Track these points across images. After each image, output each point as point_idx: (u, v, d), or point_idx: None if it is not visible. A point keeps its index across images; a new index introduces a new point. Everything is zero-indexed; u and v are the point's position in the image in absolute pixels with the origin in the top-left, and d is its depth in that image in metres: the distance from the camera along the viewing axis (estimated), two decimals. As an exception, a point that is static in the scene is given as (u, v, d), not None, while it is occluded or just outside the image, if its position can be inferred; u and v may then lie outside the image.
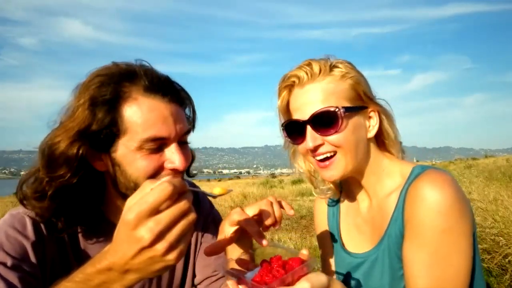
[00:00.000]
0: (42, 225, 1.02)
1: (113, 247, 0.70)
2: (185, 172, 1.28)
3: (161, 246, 0.66)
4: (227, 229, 1.03)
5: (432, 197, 0.96)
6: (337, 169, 1.10)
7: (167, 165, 1.01)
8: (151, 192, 0.66)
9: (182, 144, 1.07)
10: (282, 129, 1.20)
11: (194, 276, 1.29)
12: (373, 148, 1.17)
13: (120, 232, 0.68)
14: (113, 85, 0.99)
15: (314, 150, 1.10)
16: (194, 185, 1.39)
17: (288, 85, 1.15)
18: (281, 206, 1.08)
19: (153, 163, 0.99)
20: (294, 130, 1.15)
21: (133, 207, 0.66)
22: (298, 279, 0.82)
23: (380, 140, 1.20)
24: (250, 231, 0.98)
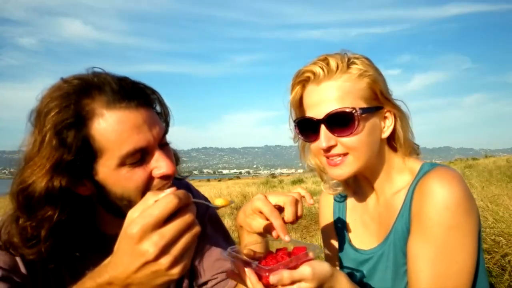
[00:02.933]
0: None
1: (114, 261, 0.68)
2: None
3: (166, 260, 0.64)
4: (248, 219, 1.02)
5: (440, 193, 0.96)
6: (347, 169, 1.09)
7: (156, 173, 0.96)
8: (156, 205, 0.64)
9: (163, 146, 1.02)
10: (295, 126, 1.18)
11: (192, 278, 1.26)
12: (385, 147, 1.16)
13: (122, 245, 0.66)
14: (72, 106, 0.90)
15: (327, 150, 1.08)
16: (189, 188, 1.36)
17: (302, 80, 1.12)
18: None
19: (140, 176, 0.94)
20: (307, 127, 1.12)
21: (137, 220, 0.64)
22: (302, 264, 0.83)
23: (393, 139, 1.18)
24: (274, 224, 0.93)
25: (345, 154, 1.08)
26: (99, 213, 1.08)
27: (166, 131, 1.04)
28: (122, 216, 0.99)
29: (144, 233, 0.63)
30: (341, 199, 1.38)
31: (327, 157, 1.11)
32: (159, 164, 0.96)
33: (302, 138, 1.18)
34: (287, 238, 0.90)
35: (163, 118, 1.08)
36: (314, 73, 1.08)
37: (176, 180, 1.27)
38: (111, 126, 0.90)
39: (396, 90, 1.18)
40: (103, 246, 1.06)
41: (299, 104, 1.16)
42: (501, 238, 3.86)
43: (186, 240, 0.66)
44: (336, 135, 1.06)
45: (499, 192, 4.93)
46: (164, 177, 0.97)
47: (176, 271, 0.66)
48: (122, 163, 0.92)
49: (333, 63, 1.06)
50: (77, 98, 0.91)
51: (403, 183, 1.13)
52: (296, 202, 0.99)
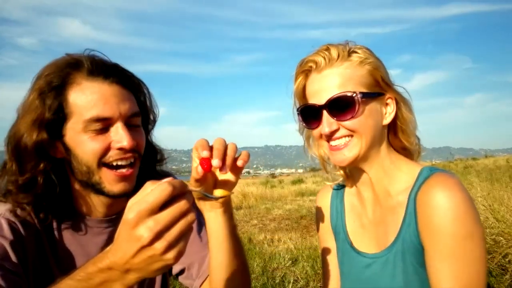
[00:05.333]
0: (18, 225, 1.03)
1: (114, 247, 0.71)
2: (153, 163, 1.29)
3: (160, 245, 0.66)
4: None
5: (446, 204, 0.95)
6: (350, 153, 1.08)
7: (114, 145, 1.04)
8: (151, 192, 0.67)
9: (132, 127, 1.09)
10: (298, 114, 1.19)
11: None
12: (385, 140, 1.16)
13: (121, 231, 0.69)
14: (59, 74, 1.04)
15: (330, 135, 1.09)
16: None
17: (305, 70, 1.14)
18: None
19: (99, 143, 1.03)
20: (309, 114, 1.13)
21: (133, 206, 0.67)
22: None
23: (395, 131, 1.17)
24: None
25: (348, 137, 1.09)
26: (75, 193, 1.14)
27: (138, 113, 1.12)
28: (92, 188, 1.08)
29: (140, 219, 0.65)
30: (336, 199, 1.36)
31: (330, 143, 1.11)
32: (118, 138, 1.04)
33: (305, 125, 1.18)
34: (204, 153, 0.88)
35: (150, 109, 1.22)
36: (316, 63, 1.10)
37: (161, 175, 1.31)
38: (84, 93, 1.03)
39: (397, 90, 1.19)
40: (84, 228, 1.15)
41: (302, 94, 1.18)
42: (501, 238, 3.86)
43: (181, 226, 0.68)
44: (337, 119, 1.07)
45: (499, 192, 4.93)
46: (121, 150, 1.05)
47: (171, 255, 0.67)
48: (85, 128, 1.02)
49: (334, 51, 1.09)
50: (65, 68, 1.06)
51: (403, 184, 1.12)
52: (224, 142, 0.92)
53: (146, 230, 0.65)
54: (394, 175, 1.15)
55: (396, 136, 1.18)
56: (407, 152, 1.20)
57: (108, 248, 0.73)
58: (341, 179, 1.32)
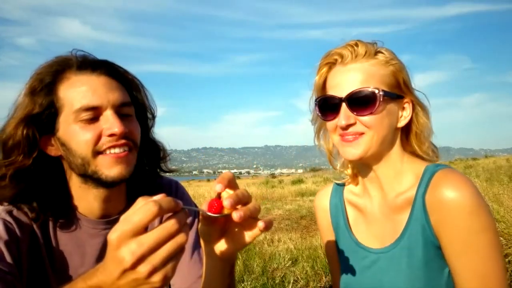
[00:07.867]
0: (14, 225, 1.03)
1: (102, 266, 0.68)
2: (158, 166, 1.28)
3: (144, 268, 0.62)
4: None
5: (458, 200, 0.98)
6: (360, 148, 1.09)
7: (105, 132, 1.05)
8: (135, 212, 0.63)
9: (124, 116, 1.11)
10: (315, 104, 1.20)
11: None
12: (398, 141, 1.17)
13: (107, 251, 0.66)
14: (50, 72, 1.09)
15: (345, 128, 1.10)
16: (177, 187, 1.34)
17: (330, 62, 1.16)
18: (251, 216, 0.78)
19: (91, 132, 1.05)
20: (327, 106, 1.15)
21: (117, 226, 0.63)
22: None
23: (407, 136, 1.19)
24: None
25: (361, 134, 1.10)
26: (72, 191, 1.14)
27: (128, 103, 1.13)
28: (90, 178, 1.08)
29: (122, 240, 0.62)
30: (335, 196, 1.36)
31: (342, 136, 1.12)
32: (108, 125, 1.06)
33: (321, 116, 1.19)
34: (218, 187, 0.76)
35: (148, 105, 1.24)
36: (342, 56, 1.13)
37: (165, 179, 1.32)
38: (73, 86, 1.07)
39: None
40: (79, 228, 1.15)
41: (322, 86, 1.20)
42: (501, 238, 3.86)
43: (168, 249, 0.64)
44: (355, 113, 1.09)
45: (499, 192, 4.93)
46: (112, 136, 1.06)
47: (156, 279, 0.64)
48: (76, 118, 1.05)
49: (362, 48, 1.12)
50: (55, 67, 1.10)
51: (409, 183, 1.13)
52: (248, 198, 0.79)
53: (128, 253, 0.61)
54: (403, 176, 1.16)
55: (408, 141, 1.19)
56: (419, 157, 1.20)
57: (98, 265, 0.71)
58: (347, 178, 1.33)
